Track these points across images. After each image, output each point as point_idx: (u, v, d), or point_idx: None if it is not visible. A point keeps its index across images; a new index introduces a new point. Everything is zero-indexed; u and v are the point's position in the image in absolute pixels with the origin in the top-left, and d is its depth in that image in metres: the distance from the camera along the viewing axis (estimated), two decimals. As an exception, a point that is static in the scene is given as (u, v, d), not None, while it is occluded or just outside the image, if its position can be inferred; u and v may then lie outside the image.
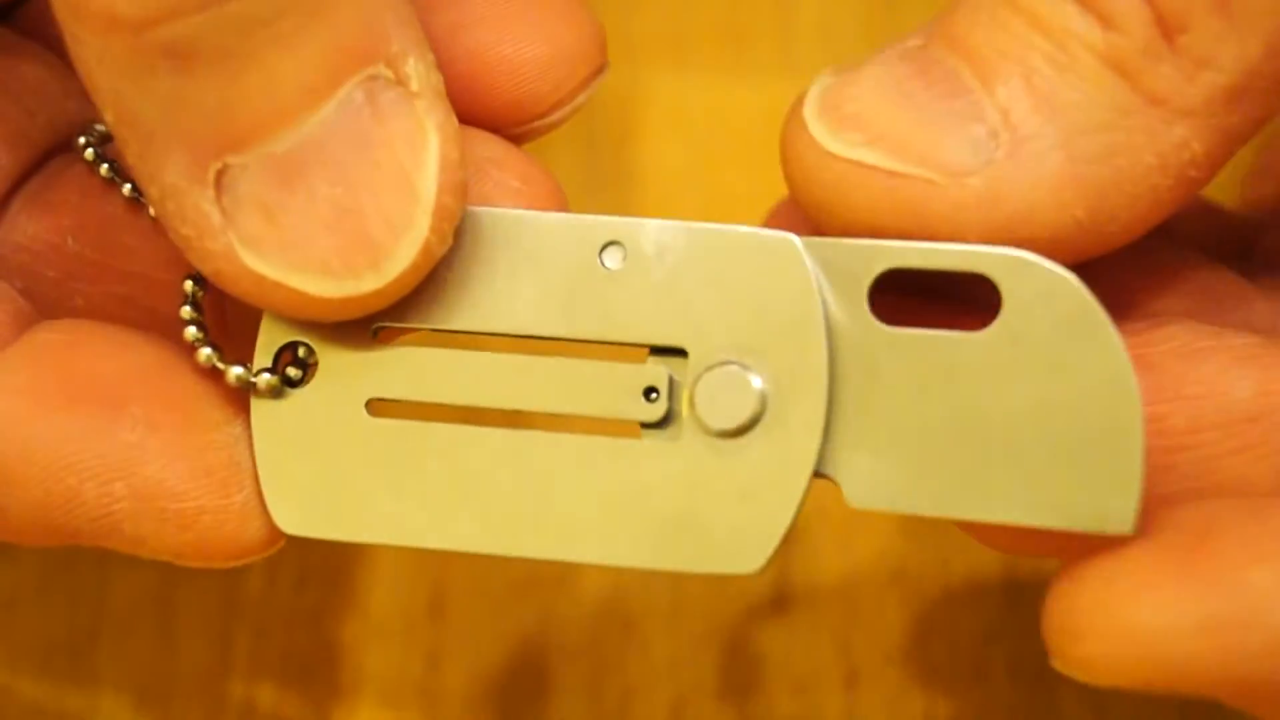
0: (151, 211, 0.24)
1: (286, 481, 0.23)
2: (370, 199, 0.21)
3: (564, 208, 0.24)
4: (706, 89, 0.37)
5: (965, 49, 0.22)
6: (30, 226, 0.25)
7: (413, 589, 0.33)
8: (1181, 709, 0.31)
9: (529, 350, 0.23)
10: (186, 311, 0.24)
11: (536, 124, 0.25)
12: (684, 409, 0.23)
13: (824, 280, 0.22)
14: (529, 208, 0.23)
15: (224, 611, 0.33)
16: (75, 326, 0.24)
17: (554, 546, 0.23)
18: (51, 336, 0.23)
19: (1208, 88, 0.21)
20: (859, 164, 0.22)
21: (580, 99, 0.25)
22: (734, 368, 0.22)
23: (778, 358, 0.22)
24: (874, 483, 0.22)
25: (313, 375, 0.23)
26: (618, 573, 0.25)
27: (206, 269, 0.22)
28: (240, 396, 0.23)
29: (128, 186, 0.25)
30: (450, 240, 0.22)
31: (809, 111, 0.22)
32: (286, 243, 0.21)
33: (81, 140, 0.25)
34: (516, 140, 0.25)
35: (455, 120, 0.22)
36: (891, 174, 0.22)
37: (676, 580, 0.31)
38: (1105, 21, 0.21)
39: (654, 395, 0.23)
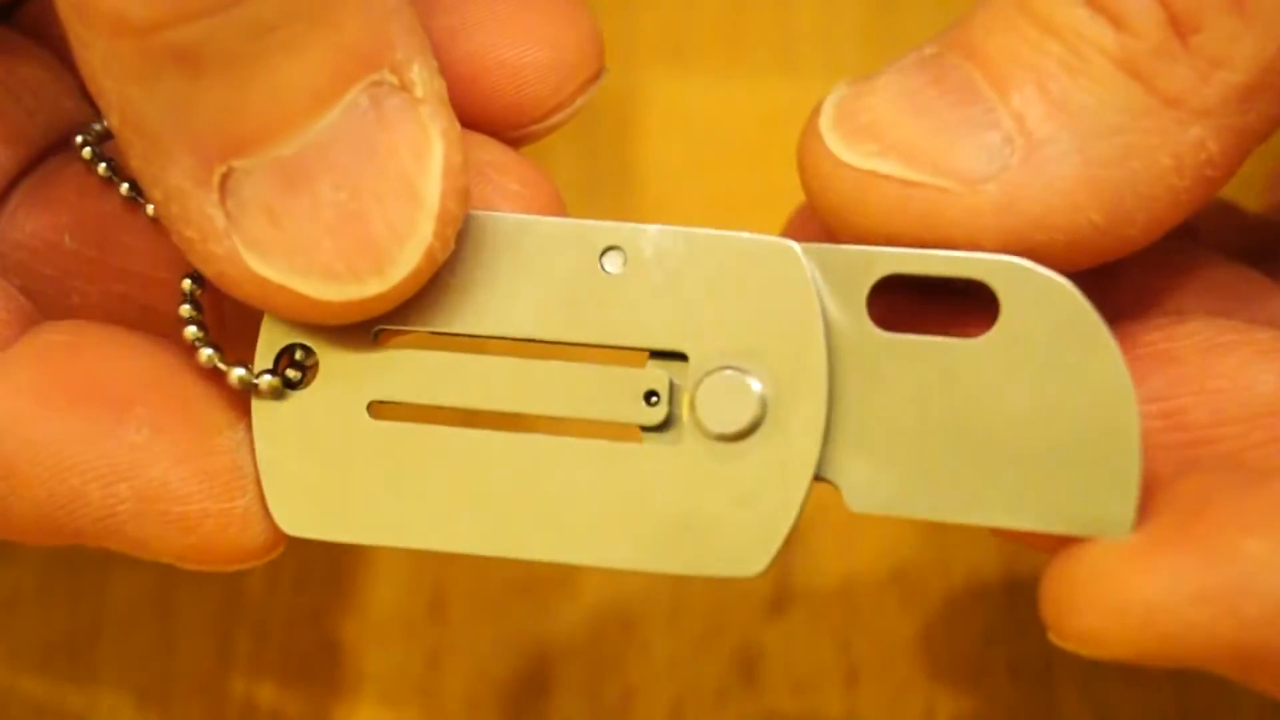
0: (151, 211, 0.24)
1: (288, 483, 0.23)
2: (374, 203, 0.21)
3: (563, 211, 0.24)
4: (706, 90, 0.37)
5: (979, 56, 0.22)
6: (28, 224, 0.25)
7: (413, 589, 0.33)
8: (1181, 708, 0.31)
9: (529, 354, 0.23)
10: (186, 310, 0.23)
11: (535, 127, 0.25)
12: (684, 413, 0.23)
13: (823, 285, 0.22)
14: (528, 211, 0.24)
15: (224, 611, 0.33)
16: (80, 327, 0.24)
17: (555, 549, 0.23)
18: (56, 337, 0.23)
19: (1223, 87, 0.21)
20: (873, 173, 0.22)
21: (579, 103, 0.25)
22: (734, 372, 0.22)
23: (777, 362, 0.22)
24: (873, 487, 0.22)
25: (313, 377, 0.23)
26: (618, 573, 0.25)
27: (210, 272, 0.22)
28: (242, 400, 0.23)
29: (125, 186, 0.25)
30: (453, 245, 0.22)
31: (824, 122, 0.22)
32: (290, 246, 0.21)
33: (79, 139, 0.25)
34: (515, 144, 0.25)
35: (458, 126, 0.22)
36: (906, 183, 0.22)
37: (676, 581, 0.31)
38: (1117, 24, 0.21)
39: (654, 399, 0.23)
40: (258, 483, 0.23)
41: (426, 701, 0.32)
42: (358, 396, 0.23)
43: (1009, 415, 0.22)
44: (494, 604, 0.33)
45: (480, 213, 0.23)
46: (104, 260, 0.25)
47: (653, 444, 0.23)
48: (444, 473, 0.23)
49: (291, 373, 0.23)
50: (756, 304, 0.22)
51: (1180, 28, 0.21)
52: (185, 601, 0.33)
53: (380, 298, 0.21)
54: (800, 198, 0.24)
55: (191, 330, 0.23)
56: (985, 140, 0.22)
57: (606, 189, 0.36)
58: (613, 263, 0.23)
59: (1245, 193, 0.28)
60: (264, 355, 0.23)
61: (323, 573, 0.33)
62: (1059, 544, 0.22)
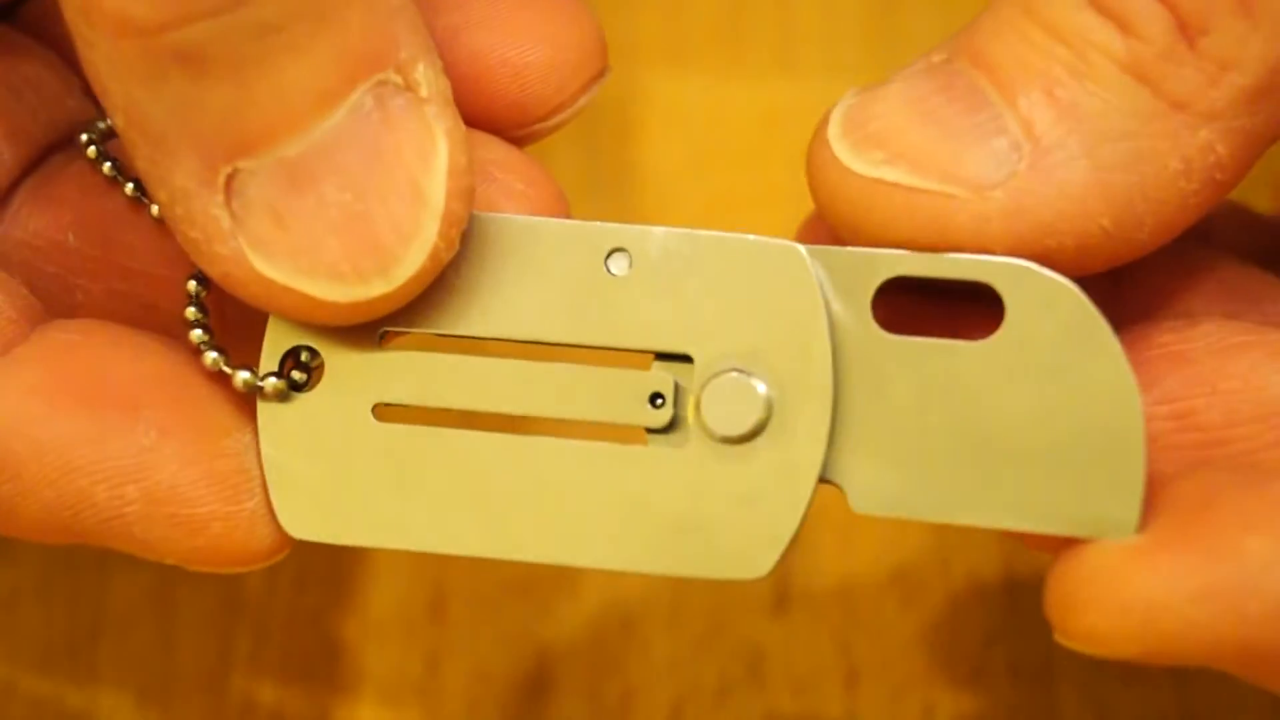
0: (155, 212, 0.24)
1: (293, 486, 0.23)
2: (379, 204, 0.21)
3: (566, 211, 0.24)
4: (705, 90, 0.37)
5: (987, 62, 0.22)
6: (31, 222, 0.25)
7: (413, 589, 0.33)
8: (1181, 708, 0.31)
9: (534, 356, 0.23)
10: (191, 313, 0.23)
11: (538, 127, 0.25)
12: (689, 415, 0.23)
13: (829, 288, 0.22)
14: (532, 210, 0.24)
15: (224, 611, 0.33)
16: (89, 327, 0.24)
17: (561, 552, 0.23)
18: (66, 336, 0.23)
19: (1231, 89, 0.21)
20: (880, 181, 0.22)
21: (582, 102, 0.25)
22: (740, 375, 0.22)
23: (782, 364, 0.22)
24: (878, 489, 0.22)
25: (318, 379, 0.23)
26: (618, 574, 0.25)
27: (215, 273, 0.22)
28: (249, 402, 0.23)
29: (130, 186, 0.25)
30: (457, 246, 0.22)
31: (832, 131, 0.22)
32: (296, 247, 0.21)
33: (84, 138, 0.25)
34: (518, 143, 0.25)
35: (463, 126, 0.22)
36: (913, 190, 0.22)
37: (676, 581, 0.31)
38: (1124, 28, 0.21)
39: (659, 401, 0.23)
40: (264, 485, 0.23)
41: (426, 701, 0.32)
42: (363, 399, 0.23)
43: (1013, 417, 0.22)
44: (494, 604, 0.33)
45: (485, 214, 0.23)
46: (107, 258, 0.25)
47: (658, 446, 0.23)
48: (449, 475, 0.23)
49: (297, 374, 0.23)
50: (762, 306, 0.22)
51: (1188, 31, 0.21)
52: (185, 601, 0.33)
53: (386, 298, 0.21)
54: (800, 197, 0.24)
55: (197, 333, 0.23)
56: (993, 147, 0.22)
57: (606, 189, 0.36)
58: (618, 265, 0.23)
59: (1257, 194, 0.28)
60: (269, 358, 0.23)
61: (323, 573, 0.33)
62: (1062, 544, 0.22)
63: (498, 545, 0.23)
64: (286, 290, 0.21)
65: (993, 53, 0.22)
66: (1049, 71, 0.22)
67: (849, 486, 0.22)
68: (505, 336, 0.23)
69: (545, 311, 0.23)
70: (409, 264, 0.21)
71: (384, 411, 0.23)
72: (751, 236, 0.22)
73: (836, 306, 0.22)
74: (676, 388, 0.23)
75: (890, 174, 0.22)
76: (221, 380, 0.23)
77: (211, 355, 0.23)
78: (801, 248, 0.22)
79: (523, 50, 0.24)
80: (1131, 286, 0.24)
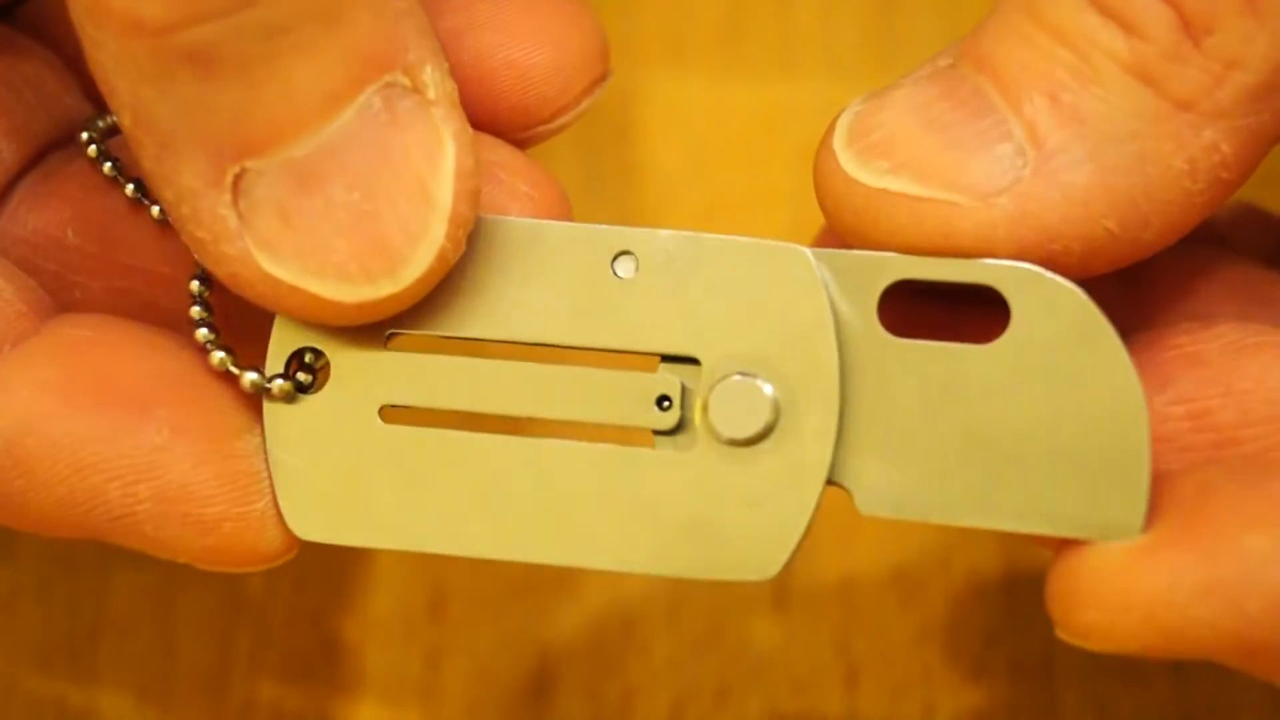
0: (156, 213, 0.24)
1: (301, 488, 0.23)
2: (387, 205, 0.21)
3: (569, 213, 0.24)
4: (705, 89, 0.37)
5: (991, 67, 0.22)
6: (30, 220, 0.25)
7: (413, 589, 0.33)
8: (1181, 708, 0.31)
9: (541, 358, 0.23)
10: (196, 312, 0.23)
11: (541, 129, 0.25)
12: (696, 417, 0.23)
13: (834, 290, 0.22)
14: (537, 212, 0.24)
15: (224, 611, 0.33)
16: (103, 323, 0.24)
17: (569, 553, 0.23)
18: (79, 332, 0.23)
19: (1236, 88, 0.21)
20: (886, 191, 0.22)
21: (585, 104, 0.25)
22: (747, 378, 0.22)
23: (789, 367, 0.22)
24: (885, 491, 0.22)
25: (324, 380, 0.23)
26: (618, 574, 0.25)
27: (222, 273, 0.22)
28: (257, 403, 0.23)
29: (130, 187, 0.25)
30: (464, 247, 0.22)
31: (838, 140, 0.22)
32: (303, 247, 0.21)
33: (84, 136, 0.25)
34: (520, 145, 0.25)
35: (470, 128, 0.22)
36: (918, 199, 0.22)
37: (676, 581, 0.30)
38: (1128, 29, 0.21)
39: (666, 404, 0.23)
40: (273, 485, 0.23)
41: (426, 701, 0.32)
42: (369, 401, 0.23)
43: (1019, 420, 0.22)
44: (494, 604, 0.33)
45: (492, 217, 0.23)
46: (107, 256, 0.25)
47: (665, 449, 0.23)
48: (456, 477, 0.23)
49: (303, 375, 0.23)
50: (768, 309, 0.22)
51: (1193, 30, 0.21)
52: (185, 601, 0.33)
53: (393, 299, 0.21)
54: (800, 197, 0.24)
55: (203, 332, 0.23)
56: (997, 153, 0.22)
57: (606, 189, 0.36)
58: (624, 267, 0.23)
59: (1275, 196, 0.28)
60: (275, 359, 0.23)
61: (323, 573, 0.33)
62: (1064, 541, 0.22)
63: (505, 547, 0.23)
64: (294, 290, 0.21)
65: (997, 57, 0.22)
66: (1053, 75, 0.22)
67: (855, 488, 0.22)
68: (511, 339, 0.23)
69: (551, 314, 0.23)
70: (416, 265, 0.21)
71: (390, 413, 0.23)
72: (758, 239, 0.22)
73: (842, 309, 0.22)
74: (683, 390, 0.23)
75: (895, 184, 0.22)
76: (229, 379, 0.23)
77: (219, 354, 0.23)
78: (807, 250, 0.22)
79: (526, 52, 0.25)
80: (1146, 289, 0.24)
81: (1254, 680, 0.31)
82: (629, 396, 0.23)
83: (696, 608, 0.33)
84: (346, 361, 0.23)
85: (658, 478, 0.23)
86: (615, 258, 0.23)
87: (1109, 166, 0.21)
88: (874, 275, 0.22)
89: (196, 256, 0.22)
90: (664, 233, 0.23)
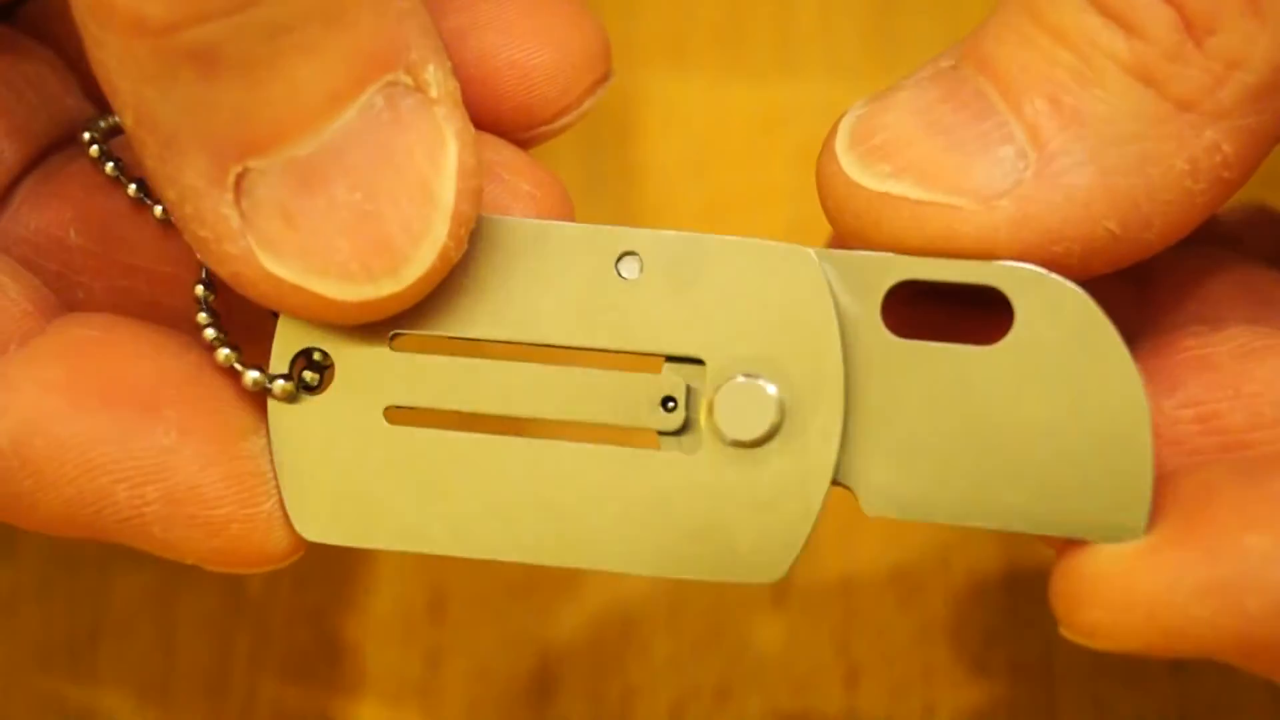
0: (159, 213, 0.24)
1: (307, 489, 0.23)
2: (389, 204, 0.21)
3: (572, 212, 0.24)
4: (705, 89, 0.37)
5: (992, 68, 0.22)
6: (32, 219, 0.25)
7: (413, 589, 0.33)
8: (1182, 708, 0.31)
9: (545, 359, 0.23)
10: (202, 310, 0.23)
11: (543, 129, 0.25)
12: (701, 418, 0.23)
13: (839, 291, 0.22)
14: (540, 212, 0.24)
15: (224, 611, 0.33)
16: (109, 322, 0.24)
17: (574, 555, 0.23)
18: (86, 332, 0.23)
19: (1238, 88, 0.21)
20: (887, 195, 0.22)
21: (587, 105, 0.25)
22: (753, 379, 0.22)
23: (794, 368, 0.22)
24: (889, 492, 0.22)
25: (329, 381, 0.23)
26: (619, 574, 0.25)
27: (224, 272, 0.22)
28: (264, 404, 0.23)
29: (133, 187, 0.25)
30: (466, 245, 0.22)
31: (840, 144, 0.22)
32: (305, 247, 0.21)
33: (86, 136, 0.25)
34: (523, 145, 0.25)
35: (472, 127, 0.22)
36: (920, 203, 0.22)
37: (677, 581, 0.30)
38: (1129, 29, 0.21)
39: (671, 405, 0.23)
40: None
41: (426, 701, 0.32)
42: (374, 402, 0.23)
43: (1023, 421, 0.22)
44: (494, 604, 0.33)
45: (497, 217, 0.23)
46: (109, 255, 0.25)
47: (671, 450, 0.23)
48: (462, 479, 0.23)
49: (308, 375, 0.23)
50: (773, 310, 0.22)
51: (1194, 30, 0.21)
52: (185, 601, 0.33)
53: (395, 298, 0.21)
54: (800, 197, 0.24)
55: (210, 332, 0.23)
56: (999, 155, 0.22)
57: (606, 189, 0.36)
58: (629, 268, 0.23)
59: (1276, 197, 0.28)
60: (279, 359, 0.23)
61: (323, 573, 0.33)
62: (1068, 539, 0.22)
63: (510, 549, 0.23)
64: (296, 289, 0.21)
65: (998, 58, 0.22)
66: (1053, 77, 0.22)
67: (860, 489, 0.22)
68: (516, 339, 0.23)
69: (556, 315, 0.23)
70: (419, 264, 0.21)
71: (395, 414, 0.23)
72: (762, 240, 0.22)
73: (847, 310, 0.22)
74: (688, 391, 0.23)
75: (897, 187, 0.22)
76: (236, 380, 0.23)
77: (224, 351, 0.23)
78: (812, 251, 0.22)
79: (529, 53, 0.25)
80: (1155, 291, 0.24)
81: (1254, 680, 0.31)
82: (634, 397, 0.23)
83: (696, 608, 0.33)
84: (351, 362, 0.23)
85: (663, 479, 0.23)
86: (620, 258, 0.23)
87: (1110, 168, 0.21)
88: (878, 276, 0.22)
89: (199, 255, 0.22)
90: (668, 233, 0.23)
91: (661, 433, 0.23)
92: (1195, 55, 0.21)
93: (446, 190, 0.21)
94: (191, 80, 0.20)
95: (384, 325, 0.22)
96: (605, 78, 0.25)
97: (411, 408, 0.23)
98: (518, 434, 0.23)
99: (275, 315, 0.23)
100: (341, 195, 0.21)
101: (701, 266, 0.22)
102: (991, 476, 0.22)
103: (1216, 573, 0.21)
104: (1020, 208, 0.21)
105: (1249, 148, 0.22)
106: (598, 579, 0.33)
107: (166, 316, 0.24)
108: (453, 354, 0.23)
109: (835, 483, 0.22)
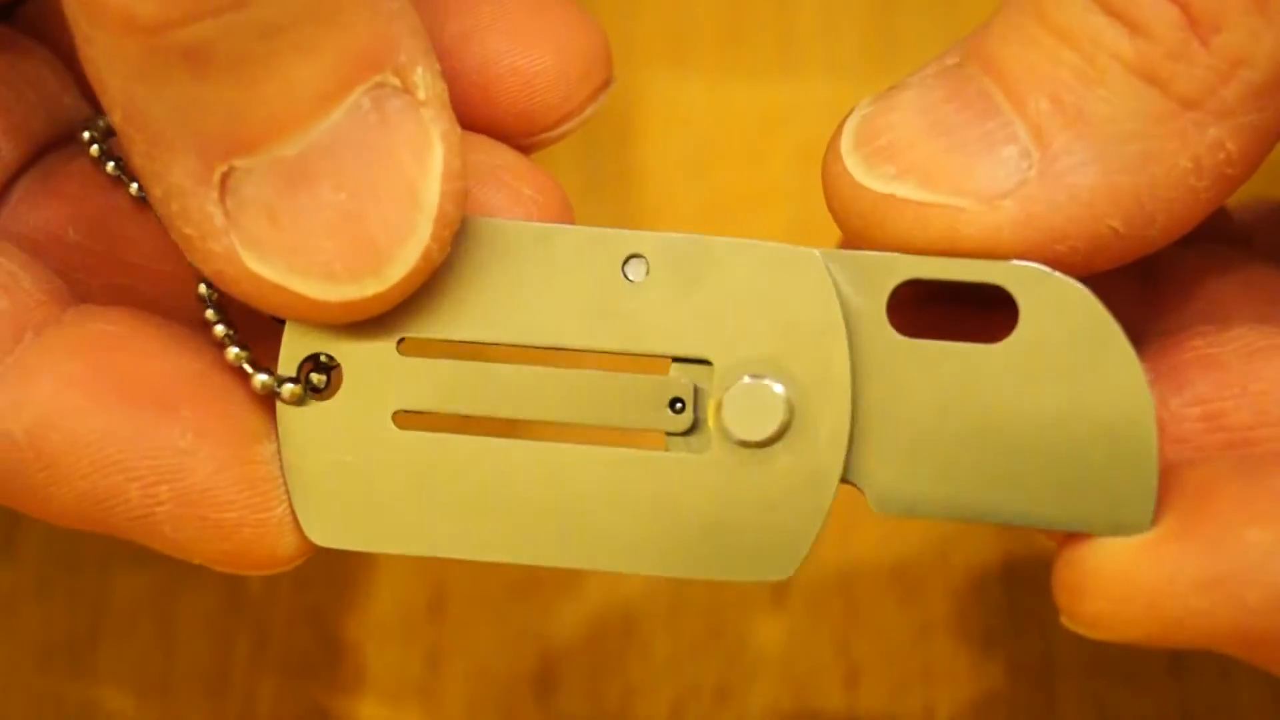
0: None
1: (316, 494, 0.23)
2: (373, 205, 0.21)
3: (571, 217, 0.24)
4: (706, 89, 0.37)
5: (996, 68, 0.22)
6: (31, 217, 0.25)
7: (413, 589, 0.33)
8: (1182, 708, 0.31)
9: (552, 362, 0.23)
10: (210, 314, 0.23)
11: (545, 135, 0.25)
12: (709, 418, 0.23)
13: (845, 291, 0.22)
14: (541, 216, 0.24)
15: (224, 611, 0.33)
16: (126, 316, 0.23)
17: (584, 557, 0.23)
18: (107, 327, 0.23)
19: (1242, 86, 0.21)
20: (893, 196, 0.22)
21: (588, 112, 0.25)
22: (760, 380, 0.22)
23: (801, 368, 0.22)
24: (897, 490, 0.22)
25: (338, 384, 0.23)
26: (619, 574, 0.25)
27: (208, 269, 0.22)
28: (273, 406, 0.23)
29: (135, 186, 0.24)
30: (449, 248, 0.22)
31: (845, 145, 0.22)
32: (289, 246, 0.21)
33: (86, 135, 0.25)
34: (524, 151, 0.25)
35: (459, 129, 0.22)
36: (922, 204, 0.22)
37: (677, 581, 0.31)
38: (1133, 28, 0.21)
39: (679, 405, 0.23)
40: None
41: (426, 701, 0.32)
42: (382, 406, 0.23)
43: (1028, 418, 0.22)
44: (494, 604, 0.33)
45: (502, 221, 0.23)
46: (108, 253, 0.25)
47: (679, 451, 0.23)
48: (472, 482, 0.23)
49: (315, 377, 0.23)
50: (779, 310, 0.22)
51: (1199, 29, 0.21)
52: (185, 601, 0.33)
53: (378, 298, 0.21)
54: (800, 197, 0.24)
55: (220, 329, 0.23)
56: (1003, 155, 0.22)
57: (606, 189, 0.36)
58: (635, 270, 0.23)
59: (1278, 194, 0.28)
60: (287, 362, 0.23)
61: (323, 573, 0.33)
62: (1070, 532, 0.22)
63: (520, 551, 0.23)
64: (278, 289, 0.21)
65: (1002, 58, 0.22)
66: (1057, 76, 0.21)
67: (868, 488, 0.22)
68: (523, 343, 0.23)
69: (562, 317, 0.23)
70: (401, 264, 0.21)
71: (404, 419, 0.23)
72: (768, 242, 0.22)
73: (853, 309, 0.22)
74: (696, 391, 0.23)
75: (901, 189, 0.22)
76: (244, 378, 0.23)
77: (234, 350, 0.23)
78: (817, 252, 0.22)
79: (532, 60, 0.25)
80: (1164, 291, 0.24)
81: (1254, 680, 0.31)
82: (642, 399, 0.23)
83: (696, 608, 0.32)
84: (359, 367, 0.23)
85: (672, 480, 0.23)
86: (626, 261, 0.23)
87: (1114, 167, 0.21)
88: (883, 275, 0.22)
89: (184, 253, 0.22)
90: (674, 236, 0.22)
91: (670, 434, 0.23)
92: (1200, 53, 0.21)
93: (431, 192, 0.21)
94: (181, 79, 0.20)
95: (391, 329, 0.22)
96: (606, 84, 0.25)
97: (420, 412, 0.23)
98: (525, 437, 0.23)
99: (280, 321, 0.23)
100: (326, 195, 0.21)
101: (707, 268, 0.22)
102: (998, 473, 0.22)
103: (1217, 566, 0.21)
104: (1024, 208, 0.21)
105: (1253, 145, 0.22)
106: (598, 579, 0.33)
107: (165, 315, 0.24)
108: (460, 358, 0.23)
109: (843, 481, 0.22)
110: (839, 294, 0.22)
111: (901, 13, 0.37)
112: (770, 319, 0.22)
